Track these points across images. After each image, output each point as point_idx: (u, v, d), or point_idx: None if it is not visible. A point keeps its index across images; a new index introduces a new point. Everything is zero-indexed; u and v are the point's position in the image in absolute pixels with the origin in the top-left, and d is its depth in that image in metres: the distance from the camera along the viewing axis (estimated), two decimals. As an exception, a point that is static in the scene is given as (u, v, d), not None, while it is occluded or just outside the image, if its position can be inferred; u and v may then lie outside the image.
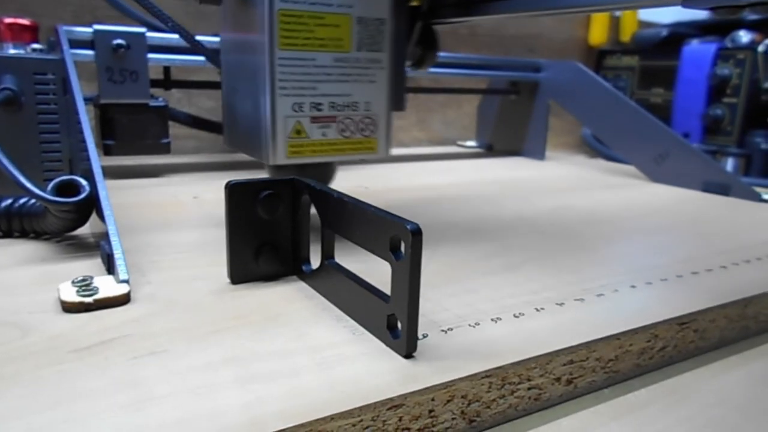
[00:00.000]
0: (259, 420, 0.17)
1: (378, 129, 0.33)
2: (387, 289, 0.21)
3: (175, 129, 0.57)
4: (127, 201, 0.43)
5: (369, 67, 0.32)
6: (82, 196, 0.30)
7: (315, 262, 0.27)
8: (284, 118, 0.30)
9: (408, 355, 0.21)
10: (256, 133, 0.31)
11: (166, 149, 0.53)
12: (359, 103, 0.32)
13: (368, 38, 0.31)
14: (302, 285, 0.27)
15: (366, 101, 0.32)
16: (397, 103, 0.35)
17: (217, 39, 0.55)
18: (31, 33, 0.45)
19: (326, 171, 0.35)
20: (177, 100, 0.67)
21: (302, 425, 0.17)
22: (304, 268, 0.28)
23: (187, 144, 0.68)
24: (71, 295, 0.24)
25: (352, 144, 0.32)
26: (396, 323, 0.21)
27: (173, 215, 0.40)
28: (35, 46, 0.43)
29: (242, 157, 0.68)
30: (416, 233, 0.19)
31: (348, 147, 0.32)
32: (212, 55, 0.53)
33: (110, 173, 0.53)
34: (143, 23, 0.51)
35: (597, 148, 0.83)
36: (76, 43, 0.47)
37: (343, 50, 0.31)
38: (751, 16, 0.79)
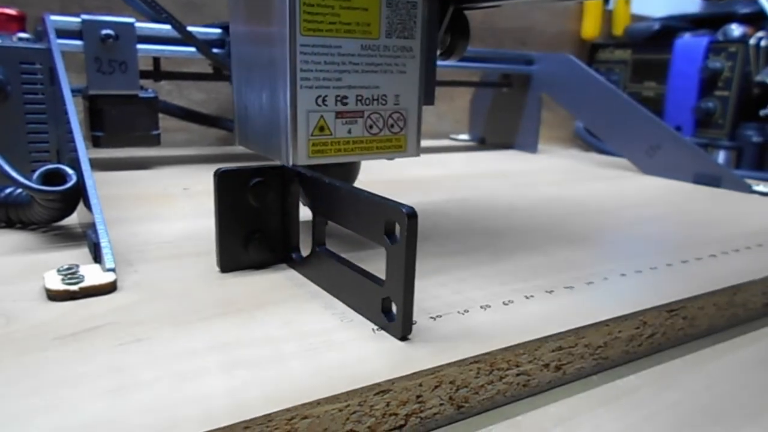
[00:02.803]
0: (245, 404, 0.17)
1: (408, 125, 0.30)
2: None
3: (165, 121, 0.57)
4: (116, 192, 0.43)
5: (399, 56, 0.29)
6: (69, 185, 0.30)
7: (305, 250, 0.27)
8: (306, 113, 0.27)
9: (404, 337, 0.21)
10: (274, 130, 0.28)
11: (155, 141, 0.53)
12: (388, 96, 0.29)
13: (398, 23, 0.28)
14: (292, 273, 0.27)
15: (395, 94, 0.29)
16: (427, 96, 0.31)
17: (208, 30, 0.54)
18: (17, 23, 0.44)
19: (351, 171, 0.33)
20: (167, 92, 0.66)
21: (288, 410, 0.17)
22: (294, 255, 0.28)
23: (177, 136, 0.68)
24: (56, 283, 0.24)
25: (379, 142, 0.29)
26: (391, 306, 0.21)
27: (162, 206, 0.40)
28: (22, 35, 0.43)
29: (234, 149, 0.68)
30: (412, 216, 0.19)
31: (375, 145, 0.29)
32: (204, 46, 0.53)
33: (99, 165, 0.52)
34: (143, 13, 0.51)
35: (589, 141, 0.83)
36: (64, 33, 0.46)
37: (371, 36, 0.28)
38: (743, 10, 0.80)
